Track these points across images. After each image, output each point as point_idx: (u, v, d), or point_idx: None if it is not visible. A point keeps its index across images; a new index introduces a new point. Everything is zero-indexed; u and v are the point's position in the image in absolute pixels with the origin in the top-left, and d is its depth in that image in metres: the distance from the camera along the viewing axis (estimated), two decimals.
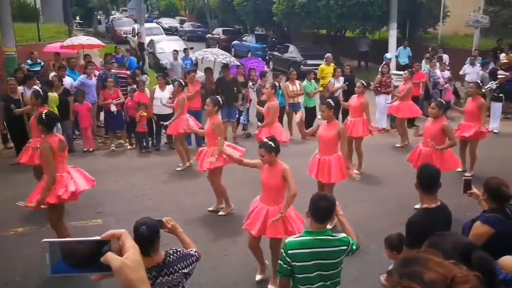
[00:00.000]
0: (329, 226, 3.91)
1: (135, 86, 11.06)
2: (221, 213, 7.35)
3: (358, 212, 7.27)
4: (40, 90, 7.26)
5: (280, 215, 4.95)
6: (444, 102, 7.27)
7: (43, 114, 5.73)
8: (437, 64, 13.68)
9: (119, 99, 10.65)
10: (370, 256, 5.94)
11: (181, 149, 9.47)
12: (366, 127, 8.99)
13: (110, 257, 1.15)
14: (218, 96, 7.51)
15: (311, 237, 3.57)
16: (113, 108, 10.49)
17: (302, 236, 3.64)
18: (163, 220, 3.42)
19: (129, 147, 10.90)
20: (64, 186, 5.60)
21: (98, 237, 1.19)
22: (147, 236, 3.21)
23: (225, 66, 11.55)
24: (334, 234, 3.68)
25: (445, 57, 15.57)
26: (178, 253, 3.40)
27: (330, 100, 6.92)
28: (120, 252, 1.18)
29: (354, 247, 3.65)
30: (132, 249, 1.19)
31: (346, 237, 3.65)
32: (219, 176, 7.26)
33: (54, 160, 5.54)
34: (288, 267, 3.54)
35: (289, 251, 3.52)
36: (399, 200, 7.50)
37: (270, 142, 5.04)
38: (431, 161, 6.76)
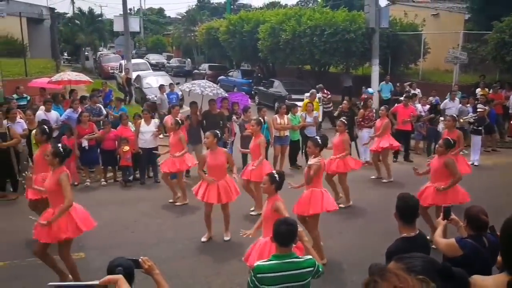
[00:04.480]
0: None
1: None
2: (203, 239, 7.48)
3: (341, 244, 7.33)
4: (45, 127, 7.34)
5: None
6: (452, 141, 7.30)
7: (60, 147, 5.91)
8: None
9: (93, 134, 10.60)
10: (352, 287, 5.96)
11: (180, 183, 9.55)
12: (341, 165, 9.05)
13: None
14: (216, 130, 7.70)
15: (278, 261, 3.69)
16: (85, 143, 10.40)
17: (270, 261, 3.75)
18: (140, 260, 3.14)
19: (103, 182, 10.76)
20: (70, 220, 5.79)
21: (96, 282, 1.26)
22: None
23: (212, 100, 11.71)
24: (300, 256, 3.78)
25: (418, 92, 15.99)
26: None
27: (317, 137, 7.07)
28: None
29: (320, 269, 3.76)
30: None
31: (312, 259, 3.75)
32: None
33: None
34: None
35: (258, 275, 3.64)
36: (382, 232, 7.53)
37: (276, 175, 5.27)
38: (430, 195, 7.02)
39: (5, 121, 9.79)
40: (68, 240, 5.85)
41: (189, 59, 36.56)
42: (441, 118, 12.76)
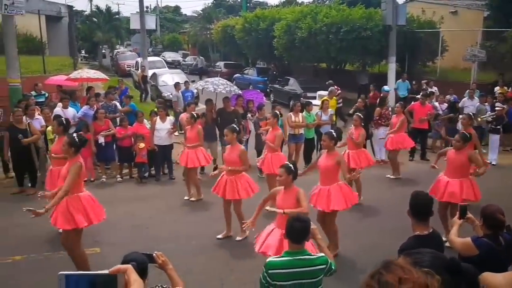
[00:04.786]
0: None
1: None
2: (238, 238, 7.45)
3: (356, 243, 7.29)
4: (62, 118, 7.48)
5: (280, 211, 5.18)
6: (468, 134, 7.29)
7: (76, 137, 5.98)
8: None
9: (109, 131, 10.72)
10: None
11: (197, 180, 9.61)
12: (364, 159, 9.10)
13: None
14: (233, 125, 7.83)
15: (290, 258, 3.70)
16: (101, 140, 10.53)
17: (283, 257, 3.77)
18: (154, 254, 3.22)
19: (119, 179, 10.87)
20: (81, 211, 5.85)
21: (106, 271, 1.28)
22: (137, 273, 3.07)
23: (226, 98, 11.75)
24: (312, 253, 3.78)
25: (435, 90, 15.87)
26: None
27: (332, 130, 7.16)
28: (126, 285, 1.27)
29: (332, 267, 3.75)
30: (136, 283, 1.29)
31: (324, 257, 3.75)
32: (241, 204, 7.49)
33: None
34: (269, 286, 3.67)
35: (269, 271, 3.66)
36: (397, 231, 7.47)
37: (291, 165, 5.37)
38: (460, 191, 6.96)
39: (24, 118, 9.95)
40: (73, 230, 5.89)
41: (202, 57, 36.59)
42: (460, 116, 12.61)
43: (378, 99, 13.81)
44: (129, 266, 1.30)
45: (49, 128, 9.93)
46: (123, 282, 1.29)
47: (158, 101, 13.84)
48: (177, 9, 71.75)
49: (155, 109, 11.56)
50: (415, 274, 1.30)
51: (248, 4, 40.51)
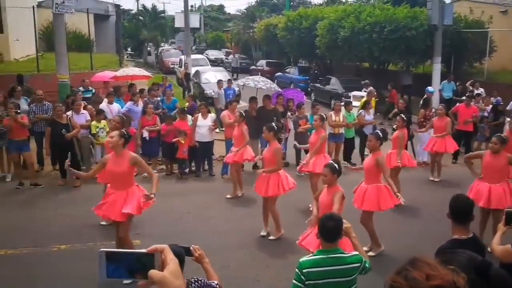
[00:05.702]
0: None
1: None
2: (271, 237, 7.45)
3: (394, 244, 7.19)
4: (123, 116, 7.79)
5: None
6: (504, 137, 7.06)
7: (125, 132, 6.37)
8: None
9: (155, 126, 10.98)
10: None
11: (236, 177, 9.67)
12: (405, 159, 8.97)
13: (152, 272, 1.33)
14: (273, 123, 7.88)
15: (323, 256, 3.70)
16: (145, 134, 10.82)
17: (316, 255, 3.79)
18: (191, 248, 3.27)
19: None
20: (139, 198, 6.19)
21: (144, 250, 1.36)
22: None
23: (266, 96, 11.80)
24: (346, 252, 3.76)
25: (481, 91, 15.39)
26: (200, 282, 3.32)
27: (378, 131, 7.19)
28: (163, 264, 1.35)
29: (367, 265, 3.72)
30: (172, 262, 1.36)
31: (358, 255, 3.73)
32: (275, 201, 7.47)
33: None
34: (303, 286, 3.65)
35: (304, 270, 3.64)
36: (437, 234, 7.32)
37: (335, 164, 5.42)
38: (504, 197, 6.75)
39: (69, 112, 10.31)
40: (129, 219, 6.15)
41: (237, 56, 36.66)
42: (508, 119, 12.19)
43: (422, 100, 13.54)
44: (165, 246, 1.37)
45: (93, 122, 10.29)
46: (160, 261, 1.35)
47: (189, 95, 14.10)
48: (221, 7, 72.25)
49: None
50: (441, 271, 1.31)
51: (291, 3, 40.32)
